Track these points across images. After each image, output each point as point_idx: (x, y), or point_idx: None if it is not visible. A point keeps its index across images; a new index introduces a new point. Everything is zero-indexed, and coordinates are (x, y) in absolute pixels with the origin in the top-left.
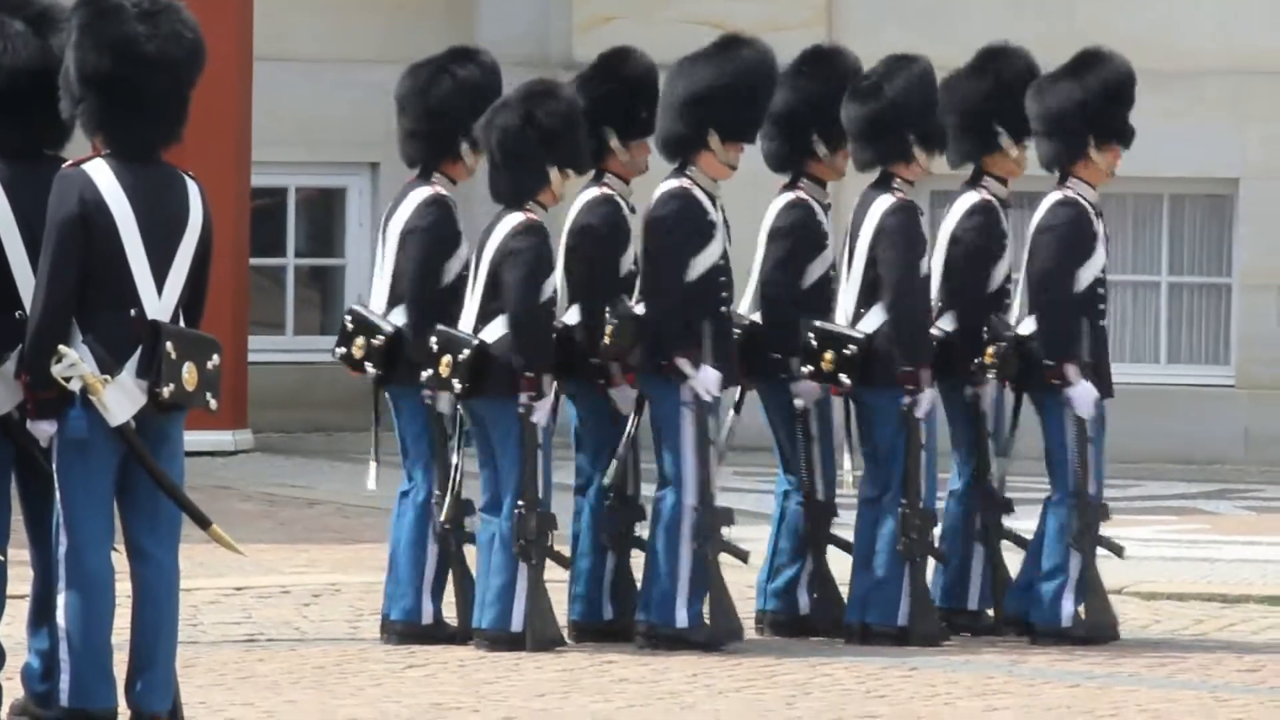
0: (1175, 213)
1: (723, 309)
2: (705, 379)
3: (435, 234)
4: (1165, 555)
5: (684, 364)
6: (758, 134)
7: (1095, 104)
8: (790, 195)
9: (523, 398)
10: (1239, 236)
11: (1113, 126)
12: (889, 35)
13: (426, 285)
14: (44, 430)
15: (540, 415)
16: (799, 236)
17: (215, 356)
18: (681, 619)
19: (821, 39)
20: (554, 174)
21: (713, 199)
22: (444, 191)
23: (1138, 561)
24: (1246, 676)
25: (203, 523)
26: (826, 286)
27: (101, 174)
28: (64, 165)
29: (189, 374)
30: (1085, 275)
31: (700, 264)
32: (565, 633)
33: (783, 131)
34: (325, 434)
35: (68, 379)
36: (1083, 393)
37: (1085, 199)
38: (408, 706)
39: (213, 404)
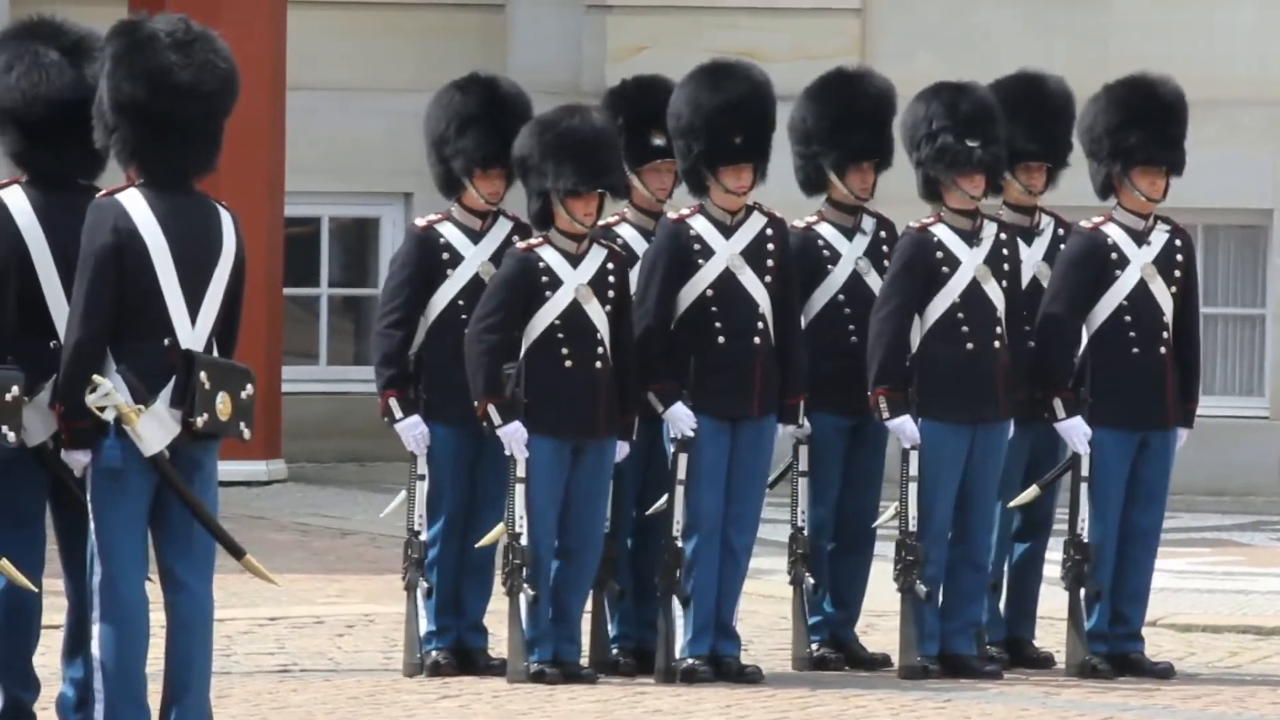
0: (1209, 243)
1: (720, 340)
2: (674, 415)
3: (392, 265)
4: (1200, 587)
5: (653, 398)
6: (753, 158)
7: (1106, 127)
8: (796, 222)
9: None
10: (1273, 267)
11: (1123, 148)
12: (921, 63)
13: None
14: (78, 460)
15: (510, 446)
16: (794, 266)
17: (249, 386)
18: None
19: (854, 66)
20: (563, 199)
21: (726, 228)
22: (419, 223)
23: (1172, 593)
24: None
25: (236, 552)
26: (836, 312)
27: (135, 203)
28: (98, 194)
29: (223, 404)
30: (1104, 306)
31: (686, 296)
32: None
33: (803, 155)
34: (359, 464)
35: (102, 409)
36: (1070, 427)
37: (1114, 226)
38: None
39: (246, 434)
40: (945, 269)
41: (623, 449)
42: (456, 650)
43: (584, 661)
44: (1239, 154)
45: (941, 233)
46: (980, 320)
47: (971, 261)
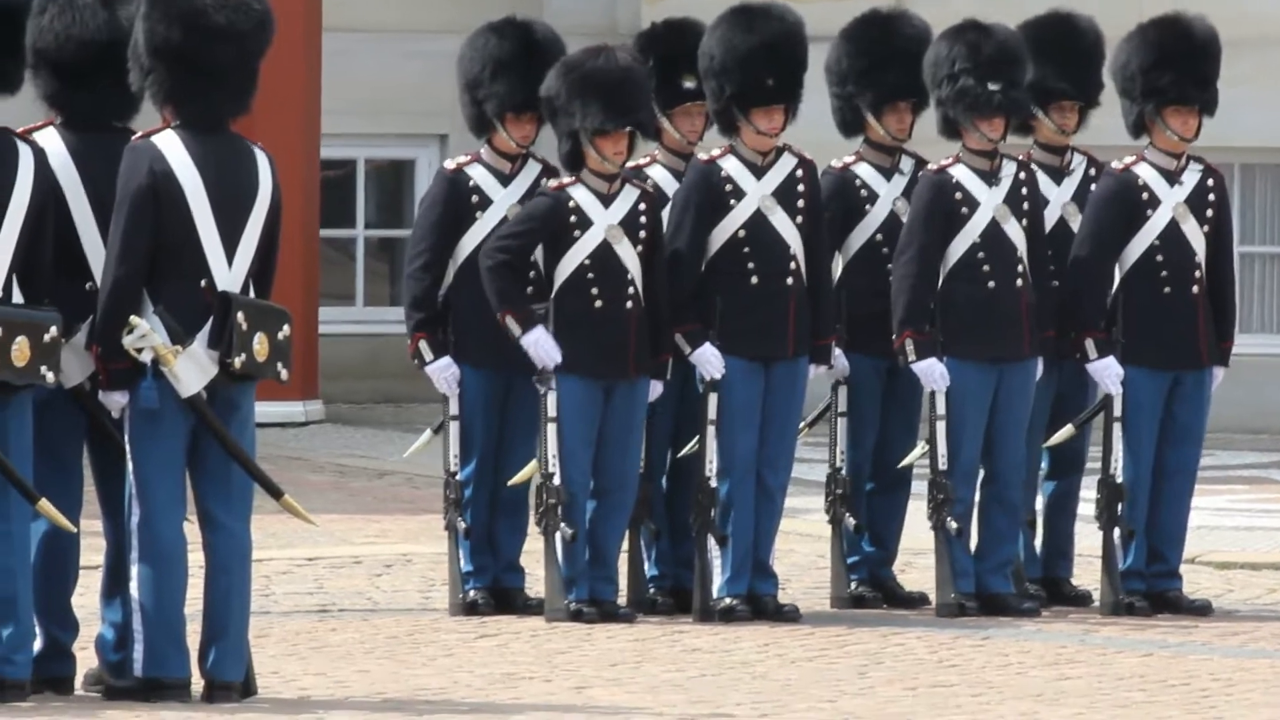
0: (1245, 182)
1: (753, 281)
2: (701, 357)
3: (421, 207)
4: (1238, 525)
5: (680, 339)
6: (785, 100)
7: (1140, 66)
8: (834, 162)
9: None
10: None
11: (1155, 88)
12: (956, 3)
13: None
14: (116, 401)
15: (536, 355)
16: (832, 206)
17: (286, 327)
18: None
19: (889, 6)
20: (592, 138)
21: (757, 169)
22: (448, 165)
23: (1209, 531)
24: None
25: (275, 493)
26: (874, 253)
27: (171, 145)
28: (134, 137)
29: (260, 345)
30: (1135, 246)
31: (718, 237)
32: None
33: (839, 96)
34: (395, 405)
35: (139, 350)
36: (1102, 367)
37: (1145, 166)
38: (480, 676)
39: (283, 375)
40: (964, 210)
41: (656, 388)
42: (494, 590)
43: (621, 601)
44: (1274, 93)
45: (959, 173)
46: (1001, 260)
47: (990, 201)
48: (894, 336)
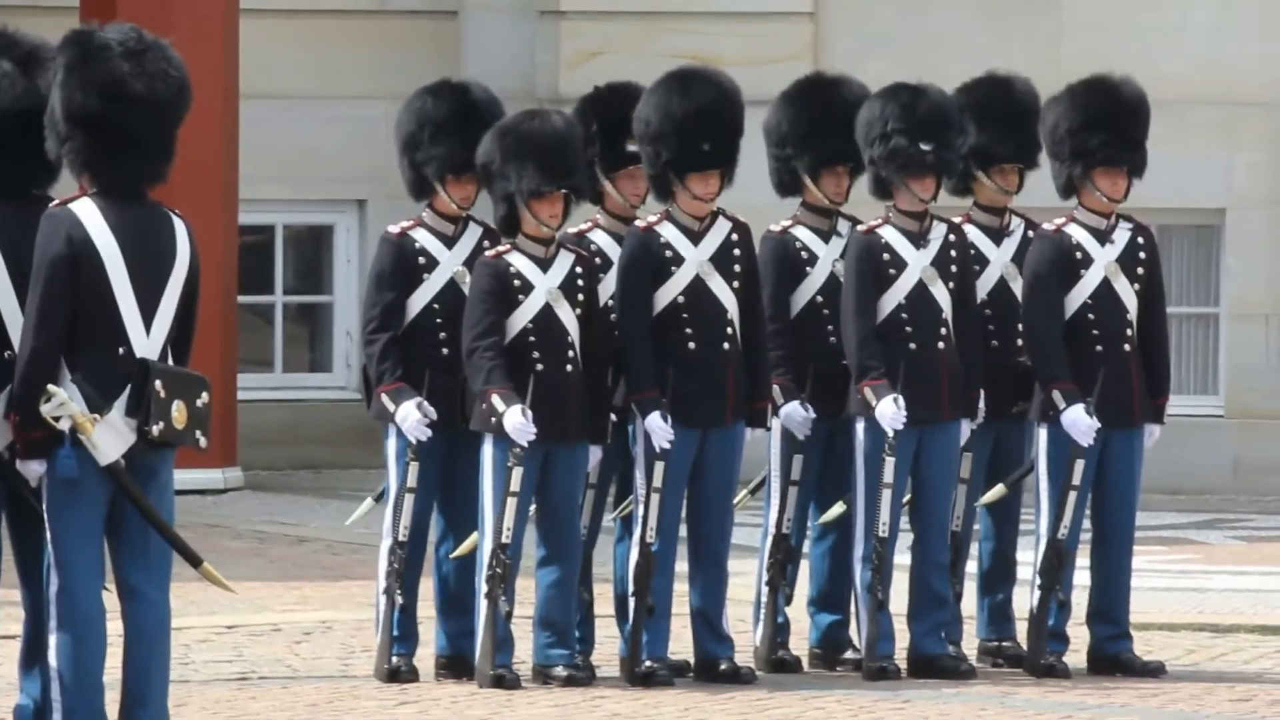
0: (1163, 243)
1: (690, 346)
2: (650, 427)
3: (371, 271)
4: (1156, 586)
5: (634, 408)
6: (721, 164)
7: (1068, 128)
8: (772, 227)
9: None
10: (1226, 267)
11: (1085, 149)
12: (875, 67)
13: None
14: (34, 470)
15: (517, 436)
16: (771, 269)
17: (204, 394)
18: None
19: (807, 72)
20: (527, 201)
21: (694, 235)
22: (392, 230)
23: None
24: (1238, 706)
25: (194, 561)
26: (816, 314)
27: (88, 213)
28: (51, 204)
29: (178, 412)
30: (1068, 305)
31: (657, 303)
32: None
33: (777, 158)
34: (315, 471)
35: (57, 418)
36: (1071, 421)
37: (1076, 226)
38: None
39: (203, 442)
40: (892, 270)
41: (595, 454)
42: (453, 657)
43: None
44: (1191, 154)
45: (888, 234)
46: (925, 321)
47: (918, 263)
48: (854, 387)
